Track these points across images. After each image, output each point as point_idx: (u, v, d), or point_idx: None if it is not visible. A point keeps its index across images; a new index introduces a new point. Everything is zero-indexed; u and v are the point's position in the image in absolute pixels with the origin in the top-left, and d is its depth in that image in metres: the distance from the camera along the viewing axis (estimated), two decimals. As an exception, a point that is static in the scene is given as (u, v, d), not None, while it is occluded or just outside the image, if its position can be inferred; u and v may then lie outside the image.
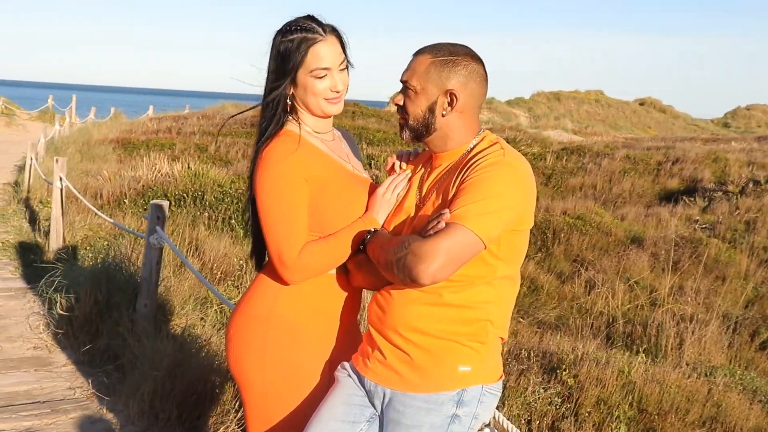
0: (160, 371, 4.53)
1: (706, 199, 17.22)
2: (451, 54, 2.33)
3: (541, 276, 10.67)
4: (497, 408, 4.83)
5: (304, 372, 2.48)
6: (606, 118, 59.99)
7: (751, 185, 17.72)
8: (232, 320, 2.54)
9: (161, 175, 11.53)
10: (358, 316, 2.68)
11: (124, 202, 10.55)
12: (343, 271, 2.50)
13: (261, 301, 2.49)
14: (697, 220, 14.85)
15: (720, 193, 17.46)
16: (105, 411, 4.66)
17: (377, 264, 2.30)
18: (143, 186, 10.97)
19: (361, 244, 2.41)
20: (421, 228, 2.23)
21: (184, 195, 10.79)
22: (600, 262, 11.53)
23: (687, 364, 6.74)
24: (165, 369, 4.53)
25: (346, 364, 2.44)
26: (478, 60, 2.36)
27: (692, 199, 17.36)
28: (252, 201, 2.47)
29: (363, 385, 2.37)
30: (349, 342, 2.55)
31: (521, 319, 8.88)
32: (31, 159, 12.69)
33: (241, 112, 3.24)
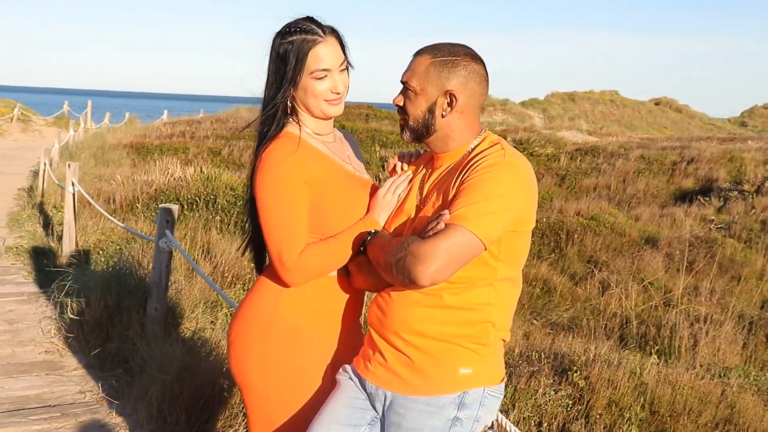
0: (168, 375, 4.53)
1: (722, 199, 17.11)
2: (451, 54, 2.31)
3: (555, 277, 10.61)
4: (508, 411, 4.79)
5: (306, 374, 2.47)
6: (621, 119, 59.74)
7: (767, 184, 17.59)
8: (234, 323, 2.54)
9: (174, 179, 11.55)
10: (360, 318, 2.67)
11: (137, 207, 10.59)
12: (345, 273, 2.49)
13: (262, 303, 2.48)
14: (713, 220, 14.76)
15: (735, 193, 17.34)
16: (114, 415, 4.67)
17: (377, 265, 2.29)
18: (156, 190, 11.00)
19: (362, 245, 2.40)
20: (422, 229, 2.21)
21: (197, 199, 10.81)
22: (614, 262, 11.47)
23: (701, 366, 6.68)
24: (174, 372, 4.53)
25: (348, 367, 2.43)
26: (478, 60, 2.33)
27: (707, 198, 17.26)
28: (252, 203, 2.46)
29: (364, 388, 2.36)
30: (351, 344, 2.54)
31: (534, 321, 8.84)
32: (45, 164, 12.76)
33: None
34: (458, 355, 2.25)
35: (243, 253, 2.70)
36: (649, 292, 9.78)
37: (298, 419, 2.45)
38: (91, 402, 4.86)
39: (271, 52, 2.43)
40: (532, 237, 12.27)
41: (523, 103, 55.35)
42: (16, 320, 6.48)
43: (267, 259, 2.56)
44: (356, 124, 24.27)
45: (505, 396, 5.06)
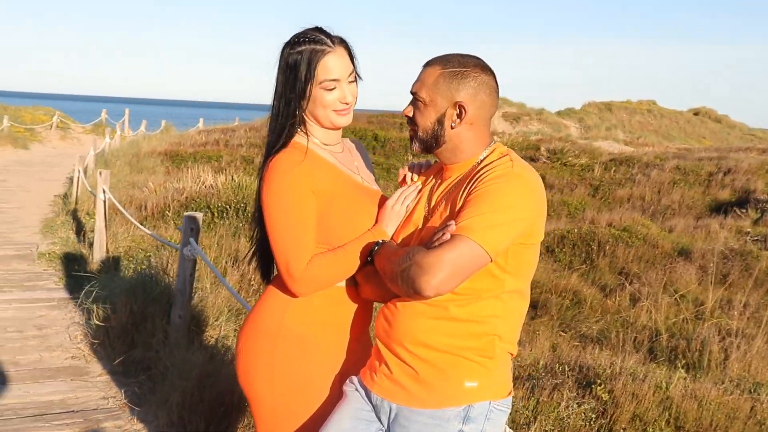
0: (189, 382, 4.56)
1: (759, 211, 16.83)
2: (461, 65, 2.30)
3: (585, 288, 10.51)
4: (529, 424, 4.74)
5: (314, 385, 2.47)
6: (659, 129, 59.12)
7: (806, 196, 17.30)
8: (242, 333, 2.54)
9: (205, 187, 11.64)
10: (369, 329, 2.65)
11: (167, 214, 10.68)
12: (353, 284, 2.48)
13: (269, 313, 2.48)
14: (749, 232, 14.51)
15: (773, 205, 17.06)
16: (135, 421, 4.70)
17: (384, 276, 2.28)
18: (186, 198, 11.08)
19: (369, 255, 2.39)
20: (429, 240, 2.20)
21: (227, 207, 10.87)
22: (646, 274, 11.32)
23: (730, 381, 6.56)
24: (194, 379, 4.56)
25: (354, 378, 2.43)
26: (488, 71, 2.32)
27: (744, 210, 16.99)
28: (260, 212, 2.47)
29: (370, 400, 2.35)
30: (360, 355, 2.53)
31: (562, 333, 8.76)
32: (79, 171, 12.93)
33: None
34: (464, 367, 2.23)
35: (250, 262, 2.70)
36: (680, 305, 9.64)
37: (306, 431, 2.45)
38: (113, 408, 4.90)
39: (280, 62, 2.43)
40: (563, 248, 12.17)
41: (559, 113, 54.97)
42: (46, 326, 6.56)
43: (274, 268, 2.56)
44: (390, 133, 24.29)
45: (527, 408, 5.02)
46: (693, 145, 46.93)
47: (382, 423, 2.33)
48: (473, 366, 2.23)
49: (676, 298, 9.78)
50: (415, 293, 2.10)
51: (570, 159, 21.61)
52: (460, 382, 2.23)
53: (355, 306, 2.51)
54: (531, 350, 6.76)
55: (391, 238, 2.44)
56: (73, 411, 4.82)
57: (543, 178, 18.70)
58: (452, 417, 2.22)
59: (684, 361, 7.15)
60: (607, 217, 14.22)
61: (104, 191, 8.63)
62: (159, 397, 4.74)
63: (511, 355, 2.35)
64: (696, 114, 66.93)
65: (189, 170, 14.07)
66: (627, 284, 10.72)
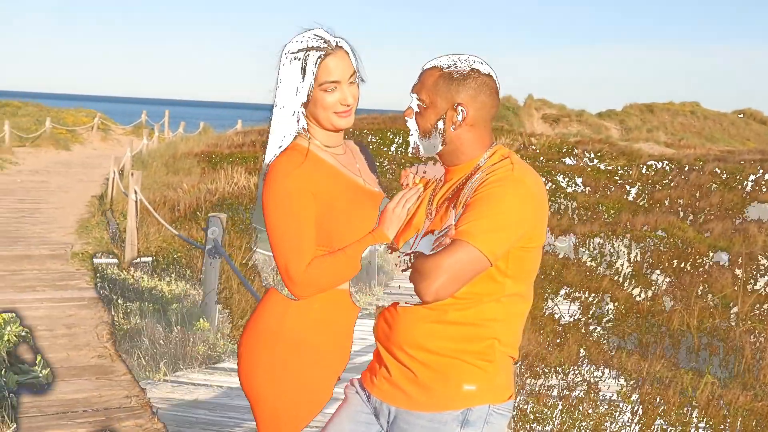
0: (209, 382, 4.59)
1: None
2: (461, 66, 2.28)
3: (617, 291, 10.40)
4: (551, 430, 4.70)
5: (314, 387, 2.46)
6: (702, 131, 58.24)
7: None
8: (243, 334, 2.54)
9: (237, 187, 11.73)
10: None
11: (199, 214, 10.77)
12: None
13: (270, 315, 2.47)
14: (788, 236, 14.26)
15: (815, 208, 16.74)
16: (156, 420, 4.75)
17: (383, 279, 2.27)
18: (219, 198, 11.18)
19: (369, 259, 2.39)
20: (429, 243, 2.19)
21: (259, 207, 10.94)
22: (680, 278, 11.18)
23: (761, 387, 6.45)
24: (214, 380, 4.59)
25: (355, 381, 2.42)
26: (488, 72, 2.30)
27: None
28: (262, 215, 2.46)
29: (370, 402, 2.34)
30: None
31: (591, 336, 8.67)
32: (114, 172, 13.10)
33: None
34: (463, 371, 2.21)
35: (249, 265, 2.71)
36: (715, 309, 9.49)
37: (308, 432, 2.45)
38: (135, 407, 4.95)
39: (280, 64, 2.43)
40: (595, 250, 11.99)
41: (599, 115, 54.41)
42: (75, 324, 6.66)
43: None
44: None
45: (549, 411, 4.98)
46: (736, 147, 46.18)
47: (381, 426, 2.32)
48: (472, 369, 2.21)
49: (710, 302, 9.64)
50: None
51: (607, 161, 21.38)
52: (458, 385, 2.21)
53: (357, 309, 2.50)
54: (558, 353, 6.71)
55: (393, 242, 2.43)
56: (95, 409, 4.89)
57: (578, 179, 18.52)
58: (450, 420, 2.20)
59: (710, 366, 7.04)
60: (642, 219, 14.05)
61: (136, 192, 8.73)
62: (179, 396, 4.78)
63: (513, 358, 2.32)
64: (741, 115, 65.79)
65: (223, 171, 14.18)
66: (660, 288, 10.59)
